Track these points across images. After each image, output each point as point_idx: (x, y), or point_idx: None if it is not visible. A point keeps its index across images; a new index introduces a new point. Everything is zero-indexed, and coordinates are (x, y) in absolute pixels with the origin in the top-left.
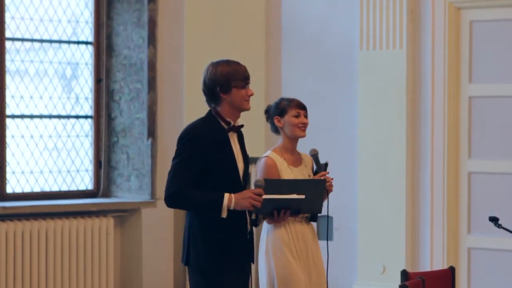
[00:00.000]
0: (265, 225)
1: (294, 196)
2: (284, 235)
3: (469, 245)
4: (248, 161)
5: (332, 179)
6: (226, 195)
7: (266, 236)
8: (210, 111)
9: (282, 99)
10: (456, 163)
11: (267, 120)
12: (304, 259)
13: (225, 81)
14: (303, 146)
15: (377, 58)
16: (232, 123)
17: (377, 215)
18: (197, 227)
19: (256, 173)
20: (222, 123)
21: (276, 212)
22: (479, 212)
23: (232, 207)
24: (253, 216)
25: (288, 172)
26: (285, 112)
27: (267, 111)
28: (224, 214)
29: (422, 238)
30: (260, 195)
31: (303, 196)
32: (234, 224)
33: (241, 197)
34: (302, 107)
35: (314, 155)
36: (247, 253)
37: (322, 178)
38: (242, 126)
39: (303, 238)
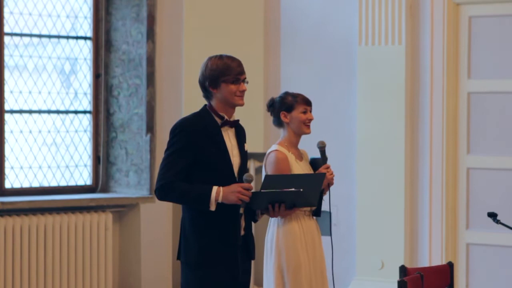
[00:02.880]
0: (273, 220)
1: (285, 189)
2: (296, 229)
3: (468, 241)
4: (246, 156)
5: (333, 174)
6: (215, 188)
7: (276, 229)
8: (205, 106)
9: (287, 94)
10: (455, 158)
11: (270, 114)
12: (311, 253)
13: (214, 76)
14: (303, 140)
15: (376, 54)
16: (226, 117)
17: (376, 210)
18: (188, 221)
19: (265, 167)
20: (216, 118)
21: (271, 207)
22: (477, 208)
23: (220, 200)
24: (241, 211)
25: (296, 166)
26: (293, 108)
27: (271, 105)
28: (212, 207)
29: (420, 233)
30: (249, 190)
31: (293, 189)
32: (225, 219)
33: (229, 191)
34: (308, 103)
35: (321, 148)
36: (241, 249)
37: (325, 170)
38: (237, 121)
39: (311, 232)
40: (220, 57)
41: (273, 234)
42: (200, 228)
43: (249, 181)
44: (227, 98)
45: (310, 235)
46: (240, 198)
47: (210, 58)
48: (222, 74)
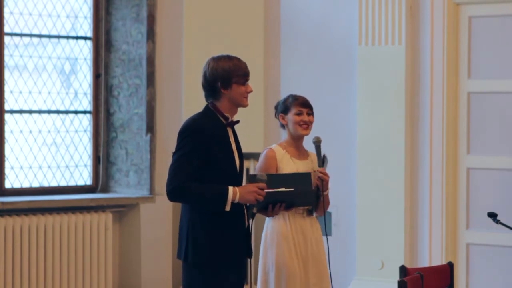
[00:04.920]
0: (266, 220)
1: (292, 189)
2: (282, 226)
3: (468, 241)
4: (242, 156)
5: (328, 175)
6: (231, 189)
7: (266, 227)
8: (207, 106)
9: (289, 96)
10: (455, 158)
11: (275, 116)
12: (302, 251)
13: (226, 76)
14: (304, 140)
15: (376, 54)
16: (230, 118)
17: (376, 210)
18: (198, 221)
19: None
20: (221, 118)
21: (271, 206)
22: (477, 208)
23: (236, 201)
24: (254, 210)
25: (290, 164)
26: (289, 110)
27: (276, 107)
28: (228, 208)
29: (420, 233)
30: (263, 189)
31: (292, 189)
32: (234, 219)
33: (246, 191)
34: (305, 105)
35: (316, 143)
36: (246, 248)
37: (320, 174)
38: (238, 121)
39: (302, 230)
40: (229, 57)
41: (264, 232)
42: (212, 229)
43: (264, 181)
44: (236, 99)
45: (301, 234)
46: (256, 198)
47: (219, 58)
48: (234, 75)
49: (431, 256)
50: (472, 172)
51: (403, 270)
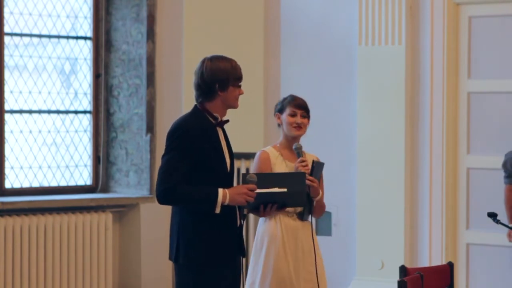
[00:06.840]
0: (260, 220)
1: (284, 190)
2: (273, 228)
3: (468, 241)
4: (233, 156)
5: (307, 166)
6: (220, 191)
7: (258, 229)
8: (196, 106)
9: (288, 96)
10: (455, 159)
11: (274, 115)
12: (293, 254)
13: (225, 78)
14: (303, 142)
15: (376, 54)
16: (220, 118)
17: (376, 210)
18: (189, 223)
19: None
20: (210, 118)
21: (263, 207)
22: (477, 208)
23: (226, 203)
24: (245, 212)
25: (282, 166)
26: (284, 110)
27: (276, 105)
28: (217, 210)
29: (420, 233)
30: (253, 191)
31: (285, 190)
32: (226, 219)
33: (236, 193)
34: (299, 106)
35: (296, 149)
36: (238, 248)
37: (299, 165)
38: (227, 121)
39: (293, 233)
40: (225, 59)
41: (256, 234)
42: (205, 230)
43: (254, 182)
44: (230, 101)
45: (292, 237)
46: (246, 199)
47: (216, 59)
48: (231, 77)
49: (431, 256)
50: (472, 172)
51: (403, 270)
